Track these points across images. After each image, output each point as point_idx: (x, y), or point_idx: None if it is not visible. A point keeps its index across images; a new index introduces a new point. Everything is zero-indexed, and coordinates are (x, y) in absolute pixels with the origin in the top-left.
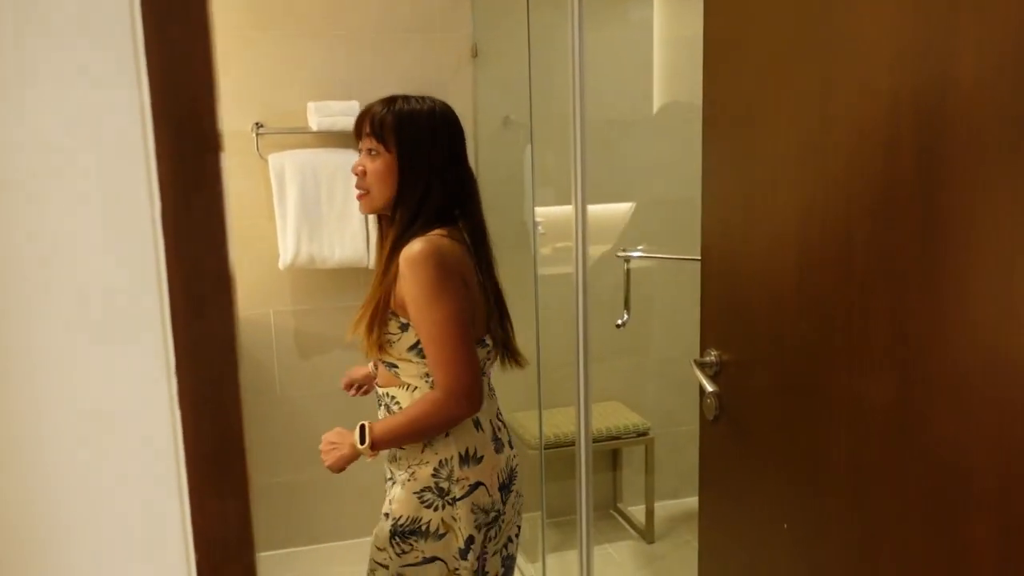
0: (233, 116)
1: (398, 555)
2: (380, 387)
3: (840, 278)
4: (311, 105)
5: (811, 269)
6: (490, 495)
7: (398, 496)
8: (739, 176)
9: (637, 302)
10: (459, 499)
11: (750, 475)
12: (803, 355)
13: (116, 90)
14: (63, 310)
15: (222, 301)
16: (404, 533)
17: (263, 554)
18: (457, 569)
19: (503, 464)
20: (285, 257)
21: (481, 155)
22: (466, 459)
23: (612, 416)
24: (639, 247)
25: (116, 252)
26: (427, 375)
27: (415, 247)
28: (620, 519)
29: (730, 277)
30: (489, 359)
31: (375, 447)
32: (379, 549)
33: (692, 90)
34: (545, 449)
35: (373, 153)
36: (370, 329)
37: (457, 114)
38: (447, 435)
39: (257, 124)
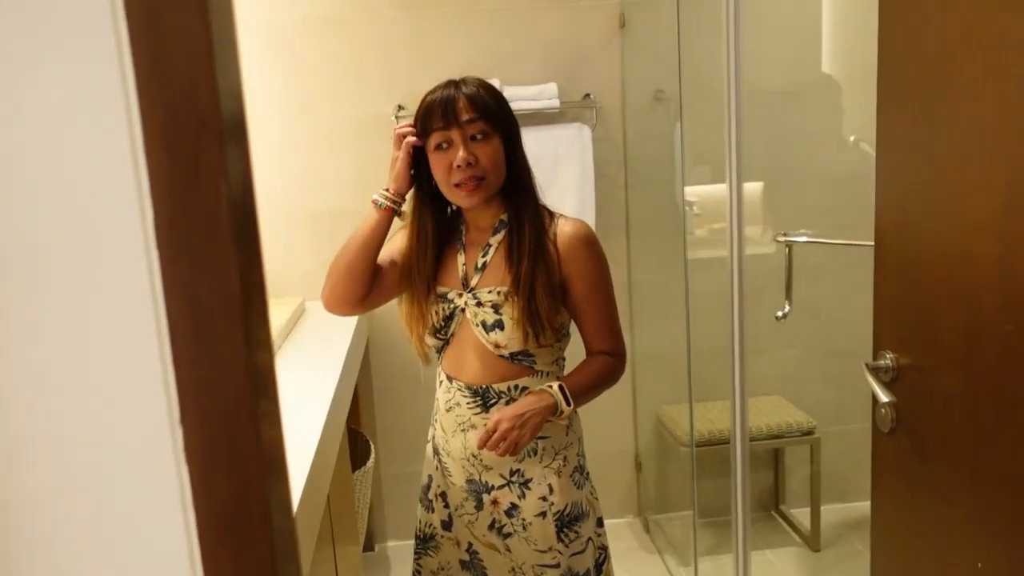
0: (376, 99)
1: (567, 546)
2: (502, 382)
3: None
4: None
5: (1018, 257)
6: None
7: (558, 486)
8: (922, 150)
9: (800, 290)
10: (587, 472)
11: (934, 500)
12: (1006, 359)
13: (91, 64)
14: (36, 347)
15: (232, 331)
16: (571, 521)
17: (392, 544)
18: (598, 537)
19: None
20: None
21: (630, 132)
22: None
23: (774, 412)
24: (801, 231)
25: (99, 273)
26: (558, 360)
27: (583, 228)
28: (782, 522)
29: (911, 267)
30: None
31: (574, 404)
32: (542, 552)
33: (867, 53)
34: (697, 446)
35: (481, 137)
36: (549, 314)
37: (603, 90)
38: (576, 412)
39: (399, 107)
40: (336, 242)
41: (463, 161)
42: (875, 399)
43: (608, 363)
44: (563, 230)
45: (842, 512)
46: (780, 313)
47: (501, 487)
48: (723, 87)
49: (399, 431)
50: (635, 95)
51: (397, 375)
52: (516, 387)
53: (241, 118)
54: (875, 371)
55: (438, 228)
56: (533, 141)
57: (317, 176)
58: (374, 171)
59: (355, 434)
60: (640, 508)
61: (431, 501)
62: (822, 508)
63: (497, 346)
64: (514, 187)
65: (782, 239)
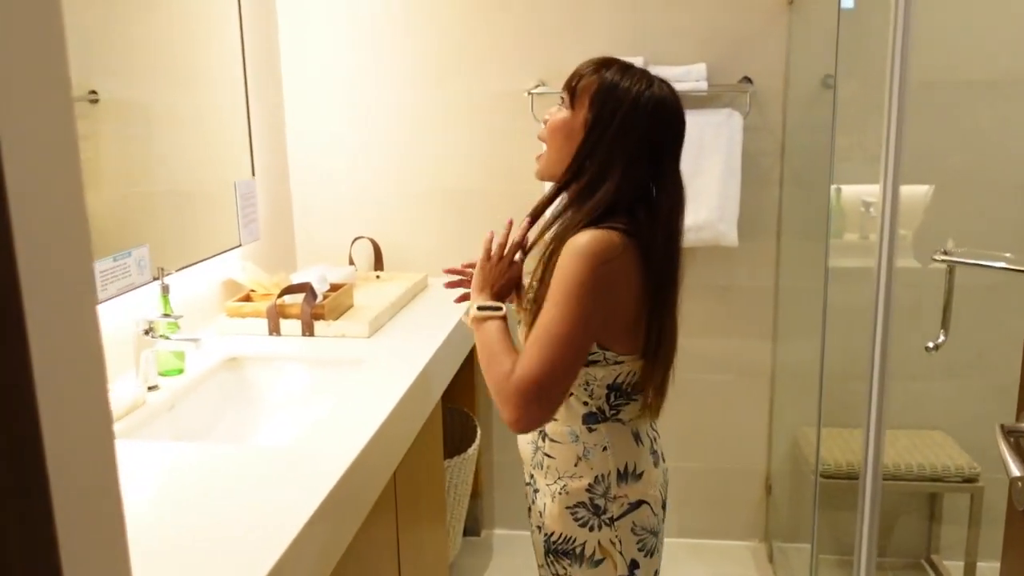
0: (515, 75)
1: (551, 574)
2: None
3: None
4: None
5: None
6: (655, 514)
7: (550, 510)
8: None
9: (966, 313)
10: (617, 519)
11: None
12: None
13: None
14: None
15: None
16: (557, 552)
17: (498, 532)
18: None
19: (661, 479)
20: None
21: (791, 120)
22: (624, 475)
23: (933, 450)
24: (963, 249)
25: None
26: (588, 383)
27: (583, 238)
28: (932, 573)
29: None
30: (631, 378)
31: (474, 322)
32: (539, 564)
33: None
34: (833, 477)
35: (559, 105)
36: (533, 318)
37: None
38: (604, 449)
39: (540, 83)
40: (465, 219)
41: (542, 134)
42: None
43: (504, 365)
44: (573, 238)
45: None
46: (931, 344)
47: (527, 484)
48: (885, 71)
49: None
50: (800, 80)
51: None
52: None
53: None
54: (1010, 435)
55: None
56: None
57: (448, 152)
58: (505, 148)
59: (465, 416)
60: (766, 534)
61: None
62: (979, 565)
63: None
64: (571, 180)
65: (941, 258)
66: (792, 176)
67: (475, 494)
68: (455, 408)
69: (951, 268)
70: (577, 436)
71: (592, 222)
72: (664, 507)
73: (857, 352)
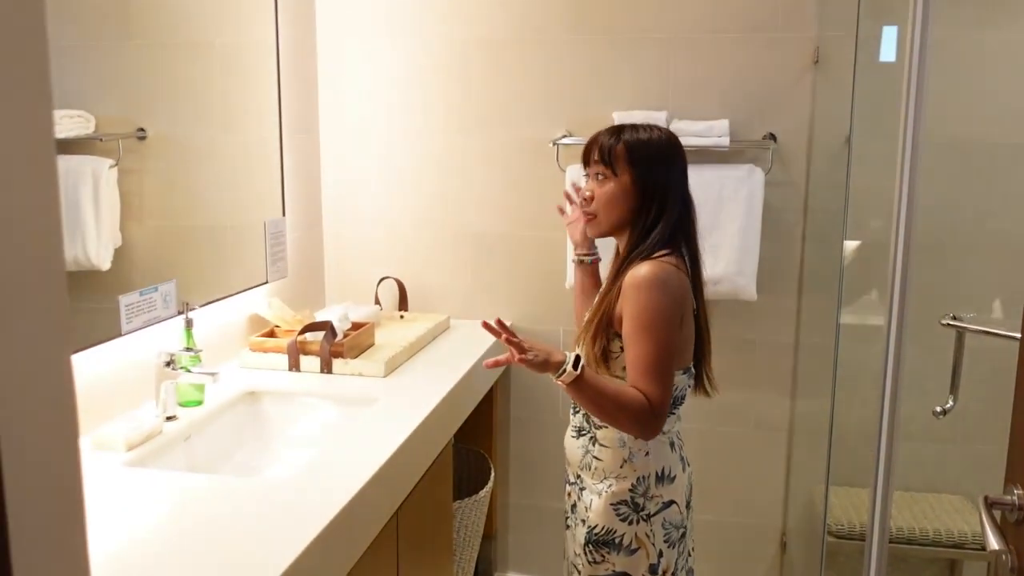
0: (541, 123)
1: (589, 563)
2: None
3: None
4: (616, 115)
5: None
6: (680, 512)
7: (596, 506)
8: None
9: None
10: (652, 515)
11: None
12: None
13: None
14: None
15: None
16: (598, 543)
17: (511, 575)
18: None
19: (687, 482)
20: (570, 276)
21: (814, 177)
22: (661, 478)
23: (952, 516)
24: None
25: None
26: None
27: (642, 270)
28: None
29: None
30: (690, 386)
31: (576, 382)
32: (575, 554)
33: None
34: (842, 538)
35: (601, 178)
36: (594, 341)
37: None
38: (647, 454)
39: (567, 133)
40: (489, 263)
41: (581, 195)
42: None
43: (635, 396)
44: (634, 271)
45: None
46: (940, 408)
47: (572, 484)
48: (898, 128)
49: (533, 461)
50: (825, 138)
51: (536, 405)
52: None
53: None
54: (996, 507)
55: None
56: (699, 179)
57: (475, 197)
58: (530, 195)
59: (480, 457)
60: None
61: None
62: None
63: None
64: (627, 226)
65: (949, 322)
66: (814, 232)
67: (489, 536)
68: (471, 449)
69: (960, 333)
70: (624, 442)
71: (641, 254)
72: (688, 506)
73: (872, 410)
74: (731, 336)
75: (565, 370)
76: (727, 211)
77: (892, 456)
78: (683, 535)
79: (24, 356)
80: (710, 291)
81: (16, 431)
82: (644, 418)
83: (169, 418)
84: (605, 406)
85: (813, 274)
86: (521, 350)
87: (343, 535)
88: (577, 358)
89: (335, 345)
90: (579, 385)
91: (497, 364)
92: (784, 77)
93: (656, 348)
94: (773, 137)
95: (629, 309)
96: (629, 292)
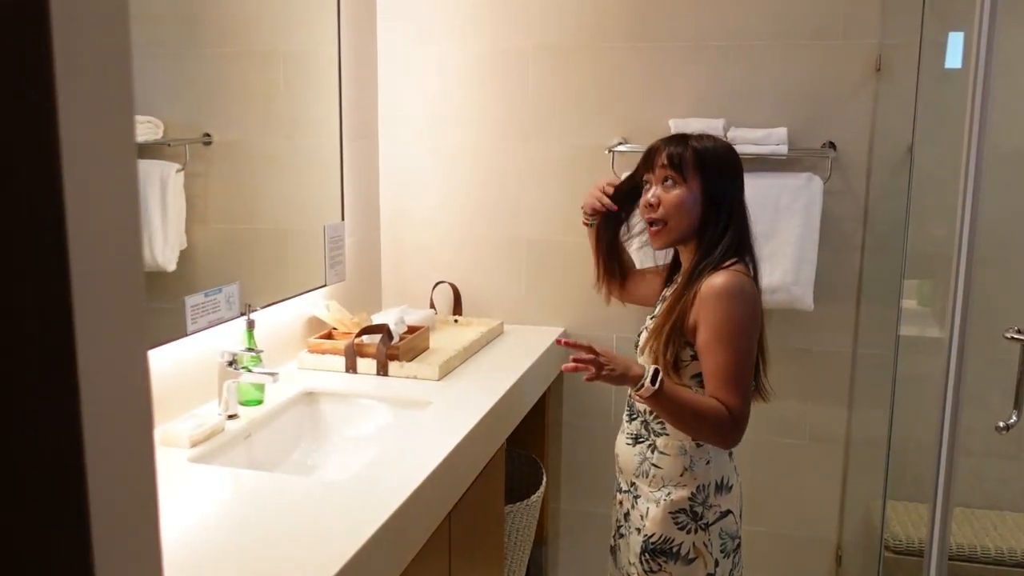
0: (597, 130)
1: (646, 572)
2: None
3: None
4: (672, 123)
5: None
6: (736, 522)
7: (653, 514)
8: None
9: None
10: (711, 524)
11: None
12: None
13: None
14: None
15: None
16: (655, 551)
17: None
18: None
19: (739, 492)
20: None
21: (874, 187)
22: (720, 487)
23: (1017, 533)
24: None
25: None
26: None
27: (719, 280)
28: None
29: None
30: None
31: (655, 396)
32: (629, 563)
33: None
34: (900, 553)
35: (668, 184)
36: (665, 350)
37: (848, 138)
38: (708, 463)
39: (623, 140)
40: (543, 269)
41: (646, 202)
42: None
43: (714, 406)
44: (709, 280)
45: None
46: (1003, 423)
47: (624, 492)
48: (963, 137)
49: (584, 467)
50: (886, 147)
51: (588, 411)
52: (650, 411)
53: None
54: None
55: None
56: (756, 187)
57: (530, 203)
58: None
59: (532, 462)
60: None
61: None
62: None
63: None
64: (706, 236)
65: (1013, 335)
66: (874, 242)
67: (540, 541)
68: (523, 453)
69: None
70: (686, 450)
71: (712, 263)
72: (741, 516)
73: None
74: (787, 346)
75: (643, 384)
76: (784, 220)
77: (952, 470)
78: (738, 546)
79: (107, 353)
80: (766, 300)
81: (98, 424)
82: (726, 428)
83: (231, 416)
84: (685, 417)
85: (872, 284)
86: (599, 367)
87: (396, 536)
88: (656, 372)
89: (391, 348)
90: (658, 398)
91: (576, 370)
92: (845, 84)
93: (736, 358)
94: (832, 145)
95: (708, 319)
96: (708, 302)
